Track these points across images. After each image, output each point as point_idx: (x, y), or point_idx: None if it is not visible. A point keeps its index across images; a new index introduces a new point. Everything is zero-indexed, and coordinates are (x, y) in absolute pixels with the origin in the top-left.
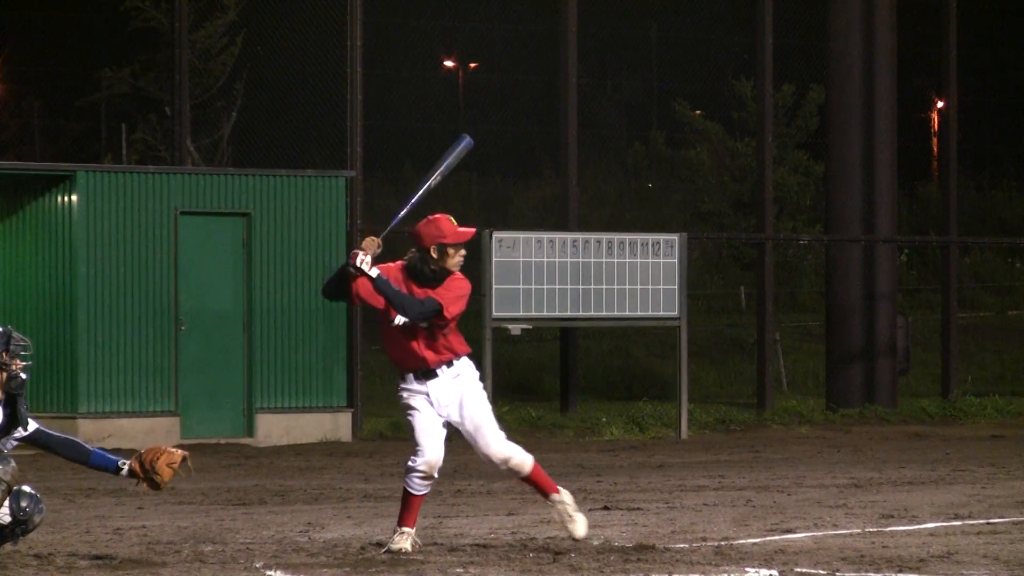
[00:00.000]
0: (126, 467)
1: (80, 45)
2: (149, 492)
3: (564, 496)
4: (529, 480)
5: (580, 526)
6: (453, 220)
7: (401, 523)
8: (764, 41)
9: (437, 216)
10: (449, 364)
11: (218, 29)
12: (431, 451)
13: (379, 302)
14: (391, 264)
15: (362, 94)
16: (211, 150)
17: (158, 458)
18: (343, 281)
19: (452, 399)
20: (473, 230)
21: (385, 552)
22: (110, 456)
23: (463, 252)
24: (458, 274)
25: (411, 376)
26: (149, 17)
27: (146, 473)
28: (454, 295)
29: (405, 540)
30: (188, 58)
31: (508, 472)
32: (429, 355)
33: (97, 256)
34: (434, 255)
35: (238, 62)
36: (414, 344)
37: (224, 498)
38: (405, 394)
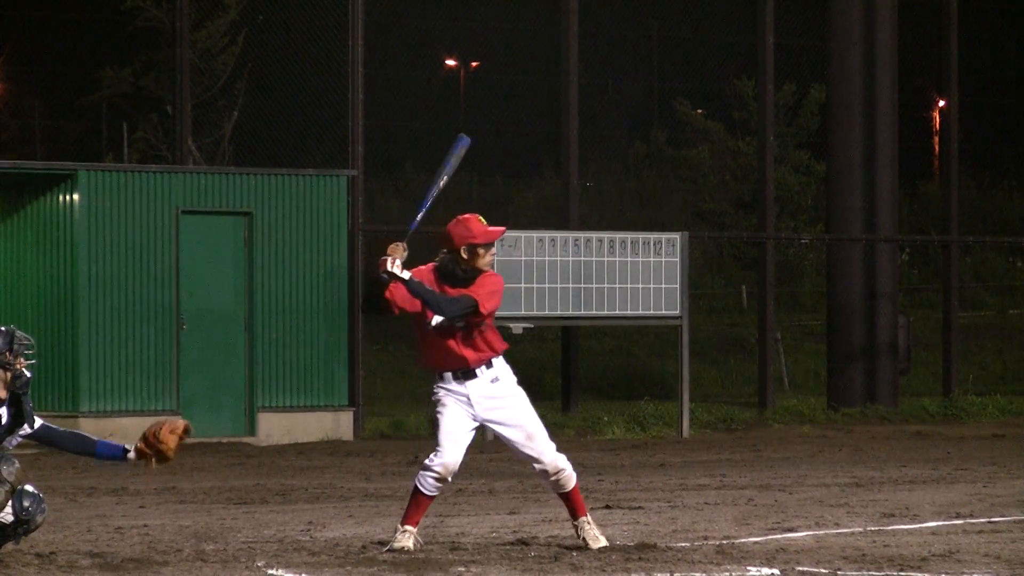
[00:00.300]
0: (132, 450)
1: (81, 45)
2: (156, 487)
3: (591, 519)
4: (567, 497)
5: (600, 544)
6: (482, 219)
7: (405, 521)
8: (765, 41)
9: (466, 216)
10: (488, 365)
11: (219, 28)
12: (450, 454)
13: (416, 306)
14: (422, 267)
15: (363, 93)
16: (212, 149)
17: (160, 430)
18: (378, 290)
19: (493, 403)
20: (503, 229)
21: (387, 551)
22: (115, 444)
23: (494, 251)
24: (490, 271)
25: (449, 376)
26: (150, 17)
27: (151, 447)
28: (488, 290)
29: (408, 539)
30: (189, 57)
31: (552, 484)
32: (469, 354)
33: (99, 255)
34: (464, 256)
35: (239, 61)
36: (452, 343)
37: (225, 497)
38: (441, 392)
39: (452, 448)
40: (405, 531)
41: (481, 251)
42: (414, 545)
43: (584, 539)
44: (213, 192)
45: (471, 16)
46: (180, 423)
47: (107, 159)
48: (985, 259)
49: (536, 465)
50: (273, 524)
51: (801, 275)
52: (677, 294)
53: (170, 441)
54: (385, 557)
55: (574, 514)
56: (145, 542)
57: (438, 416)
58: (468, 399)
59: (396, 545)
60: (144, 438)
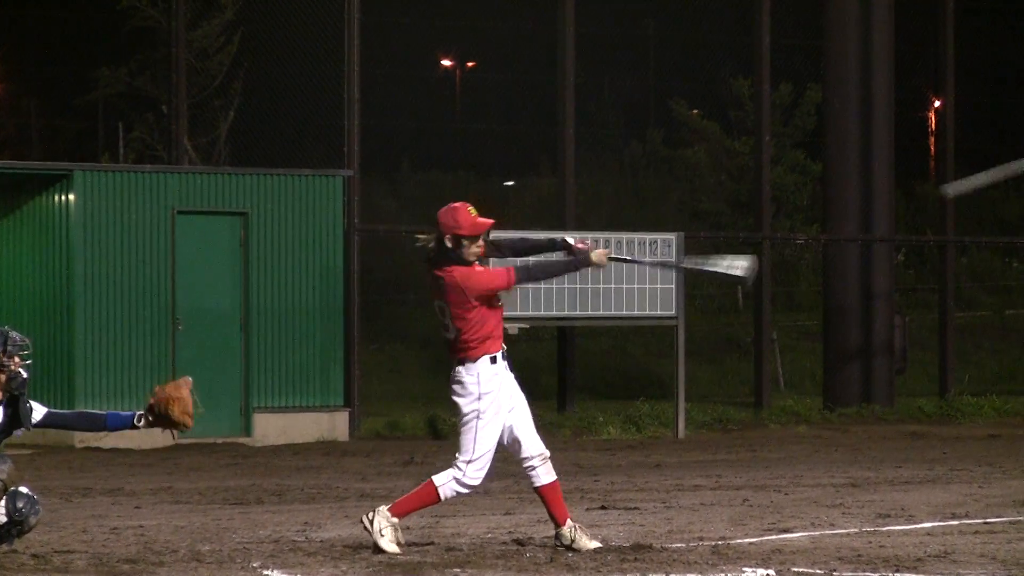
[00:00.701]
0: (142, 422)
1: (77, 44)
2: (151, 487)
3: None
4: (549, 491)
5: (594, 545)
6: (472, 210)
7: (395, 511)
8: (762, 40)
9: (456, 205)
10: None
11: (215, 28)
12: (485, 473)
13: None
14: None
15: (359, 93)
16: (208, 149)
17: (172, 407)
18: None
19: (512, 384)
20: (491, 222)
21: (375, 528)
22: (123, 414)
23: (481, 243)
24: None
25: (499, 355)
26: (146, 16)
27: (163, 421)
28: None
29: (396, 533)
30: (185, 57)
31: (541, 472)
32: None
33: (94, 255)
34: (449, 244)
35: (235, 61)
36: (500, 321)
37: (221, 498)
38: (484, 395)
39: (487, 466)
40: (393, 524)
41: (466, 243)
42: (399, 540)
43: (574, 541)
44: (209, 192)
45: (467, 16)
46: (187, 398)
47: (103, 159)
48: (981, 259)
49: (544, 451)
50: (269, 524)
51: (797, 275)
52: (673, 294)
53: (187, 421)
54: (380, 558)
55: (559, 519)
56: (141, 542)
57: (477, 424)
58: (507, 379)
59: (384, 542)
60: (152, 410)
